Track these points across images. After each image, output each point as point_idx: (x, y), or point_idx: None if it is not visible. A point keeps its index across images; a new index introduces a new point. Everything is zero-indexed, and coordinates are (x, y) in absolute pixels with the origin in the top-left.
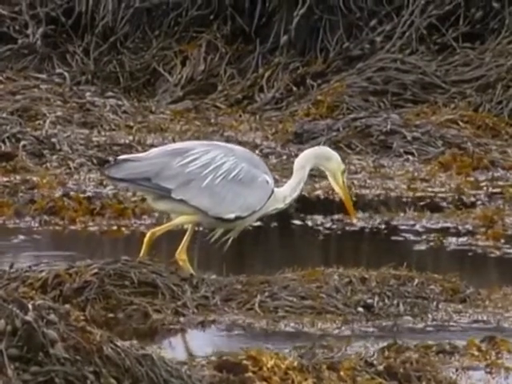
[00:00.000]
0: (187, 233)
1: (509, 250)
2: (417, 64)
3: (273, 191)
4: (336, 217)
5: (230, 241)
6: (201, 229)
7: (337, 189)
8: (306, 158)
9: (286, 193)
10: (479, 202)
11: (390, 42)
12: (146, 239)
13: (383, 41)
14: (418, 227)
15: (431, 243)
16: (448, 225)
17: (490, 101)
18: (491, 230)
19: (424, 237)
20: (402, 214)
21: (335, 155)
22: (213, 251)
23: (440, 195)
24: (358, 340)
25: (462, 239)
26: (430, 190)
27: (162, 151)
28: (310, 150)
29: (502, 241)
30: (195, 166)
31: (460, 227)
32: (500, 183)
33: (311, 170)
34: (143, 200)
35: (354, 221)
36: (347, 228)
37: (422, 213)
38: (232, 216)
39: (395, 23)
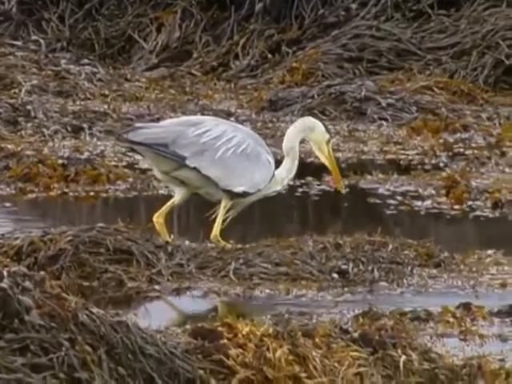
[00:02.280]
0: (172, 200)
1: (479, 213)
2: (392, 31)
3: (274, 173)
4: (304, 181)
5: (228, 219)
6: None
7: (323, 159)
8: (292, 137)
9: (283, 175)
10: (442, 165)
11: (365, 8)
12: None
13: (358, 8)
14: (385, 190)
15: (401, 206)
16: (418, 188)
17: (465, 67)
18: (454, 191)
19: (394, 200)
20: (370, 177)
21: (318, 124)
22: (190, 218)
23: (412, 158)
24: (333, 306)
25: (429, 202)
26: (401, 152)
27: (177, 121)
28: (293, 127)
29: (469, 203)
30: (209, 136)
31: (428, 190)
32: (473, 145)
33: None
34: (116, 166)
35: (343, 191)
36: (321, 193)
37: (391, 175)
38: (241, 190)
39: None
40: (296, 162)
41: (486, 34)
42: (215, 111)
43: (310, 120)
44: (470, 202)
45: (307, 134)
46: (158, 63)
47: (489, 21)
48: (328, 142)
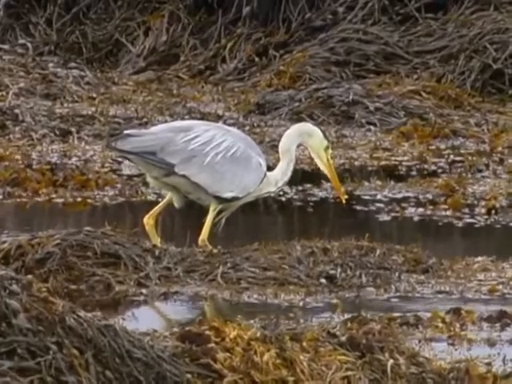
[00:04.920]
0: (163, 201)
1: (470, 220)
2: (379, 34)
3: (265, 174)
4: (298, 187)
5: (223, 221)
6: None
7: (322, 167)
8: (289, 139)
9: (278, 177)
10: (440, 171)
11: (352, 12)
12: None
13: (345, 11)
14: (380, 197)
15: (393, 213)
16: (409, 194)
17: (453, 71)
18: (451, 198)
19: (386, 206)
20: (364, 184)
21: (317, 131)
22: (177, 222)
23: (403, 164)
24: (321, 311)
25: (423, 208)
26: (392, 159)
27: (166, 127)
28: (291, 129)
29: (463, 210)
30: (198, 143)
31: (421, 196)
32: (462, 151)
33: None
34: (106, 172)
35: (344, 201)
36: (308, 198)
37: (384, 182)
38: (230, 195)
39: None
40: (291, 165)
41: (474, 37)
42: (202, 114)
43: (307, 126)
44: (466, 209)
45: (305, 139)
46: (145, 67)
47: (476, 24)
48: (326, 148)
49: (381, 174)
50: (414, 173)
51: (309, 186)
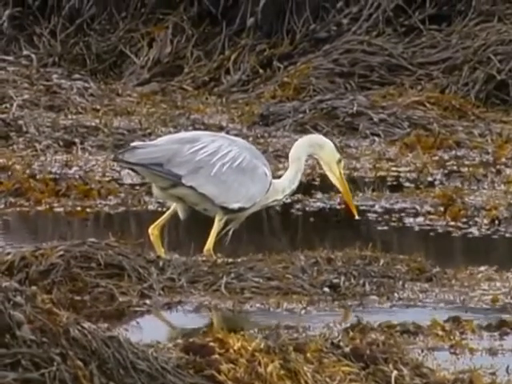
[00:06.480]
0: (168, 212)
1: (472, 230)
2: (383, 46)
3: (271, 183)
4: (297, 197)
5: (230, 232)
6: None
7: (334, 180)
8: (300, 149)
9: (285, 184)
10: (437, 182)
11: (356, 24)
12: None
13: (350, 23)
14: (378, 207)
15: (392, 223)
16: (410, 205)
17: (457, 82)
18: (450, 208)
19: (388, 217)
20: (362, 194)
21: (328, 143)
22: (182, 231)
23: (402, 175)
24: (324, 320)
25: (423, 218)
26: (394, 169)
27: (172, 139)
28: (302, 139)
29: (465, 220)
30: (204, 153)
31: (422, 207)
32: (466, 162)
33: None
34: (108, 181)
35: (356, 216)
36: (307, 209)
37: (384, 193)
38: (236, 206)
39: (362, 5)
40: (299, 174)
41: (478, 48)
42: (206, 125)
43: (319, 137)
44: (466, 219)
45: (316, 150)
46: (149, 78)
47: (480, 36)
48: (339, 162)
49: (380, 184)
50: (412, 183)
51: (305, 196)
